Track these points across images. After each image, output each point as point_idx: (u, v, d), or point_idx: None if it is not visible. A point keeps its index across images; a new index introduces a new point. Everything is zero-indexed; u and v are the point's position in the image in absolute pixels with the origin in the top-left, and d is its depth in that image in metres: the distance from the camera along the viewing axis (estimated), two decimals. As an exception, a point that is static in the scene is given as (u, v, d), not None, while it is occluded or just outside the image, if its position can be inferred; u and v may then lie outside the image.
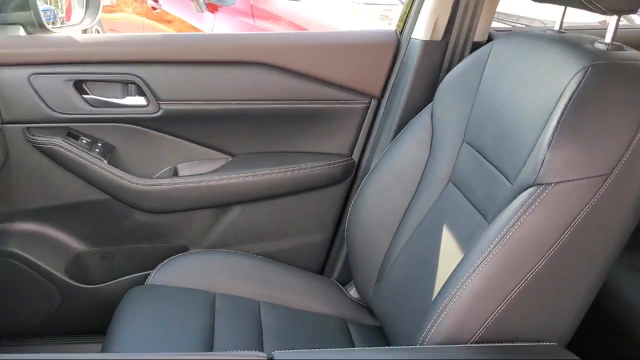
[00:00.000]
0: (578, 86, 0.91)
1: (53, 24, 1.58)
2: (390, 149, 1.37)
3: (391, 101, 1.50)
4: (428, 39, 1.43)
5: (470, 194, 1.14)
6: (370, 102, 1.52)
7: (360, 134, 1.55)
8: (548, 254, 0.88)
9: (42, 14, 1.45)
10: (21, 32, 1.43)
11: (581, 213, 0.87)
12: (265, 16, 4.19)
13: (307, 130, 1.54)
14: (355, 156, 1.57)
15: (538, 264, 0.88)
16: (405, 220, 1.28)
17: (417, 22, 1.44)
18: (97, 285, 1.54)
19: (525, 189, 0.91)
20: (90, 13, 1.61)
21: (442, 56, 1.43)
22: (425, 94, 1.42)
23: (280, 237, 1.58)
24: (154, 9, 4.93)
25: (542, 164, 0.89)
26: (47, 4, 1.74)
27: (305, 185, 1.54)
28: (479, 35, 1.43)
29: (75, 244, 1.53)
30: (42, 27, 1.42)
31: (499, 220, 0.92)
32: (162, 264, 1.40)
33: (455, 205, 1.17)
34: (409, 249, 1.24)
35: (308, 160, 1.54)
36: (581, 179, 0.87)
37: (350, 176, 1.56)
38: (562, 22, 1.16)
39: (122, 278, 1.54)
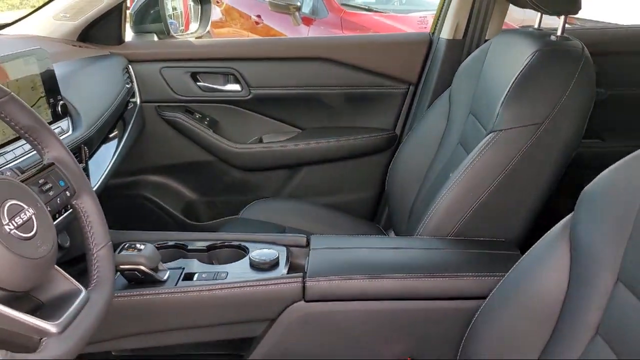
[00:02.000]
0: (525, 64, 1.31)
1: (176, 32, 2.16)
2: (420, 121, 1.80)
3: (424, 86, 1.93)
4: (451, 38, 1.85)
5: (469, 149, 1.54)
6: (409, 87, 1.96)
7: (401, 113, 1.99)
8: (498, 179, 1.28)
9: (169, 25, 2.02)
10: (155, 38, 2.01)
11: (522, 149, 1.27)
12: (353, 28, 4.60)
13: (358, 109, 2.00)
14: (397, 130, 2.01)
15: (491, 186, 1.29)
16: (428, 173, 1.70)
17: (443, 25, 1.87)
18: (202, 223, 2.08)
19: (487, 134, 1.32)
20: (202, 25, 2.18)
21: (461, 51, 1.84)
22: (448, 80, 1.83)
23: (337, 193, 2.05)
24: (257, 23, 5.51)
25: (496, 117, 1.30)
26: (171, 18, 2.33)
27: (357, 152, 2.01)
28: (491, 34, 1.83)
29: (189, 193, 2.09)
30: (169, 34, 2.00)
31: (469, 156, 1.33)
32: (248, 205, 1.90)
33: (460, 159, 1.58)
34: (429, 193, 1.66)
35: (359, 133, 2.00)
36: (522, 126, 1.27)
37: (392, 146, 2.00)
38: (540, 22, 1.54)
39: (220, 219, 2.07)
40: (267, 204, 1.93)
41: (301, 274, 1.17)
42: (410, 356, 1.16)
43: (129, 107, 1.85)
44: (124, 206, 2.04)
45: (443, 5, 1.88)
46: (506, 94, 1.30)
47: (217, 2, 6.49)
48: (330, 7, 4.85)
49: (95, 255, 0.92)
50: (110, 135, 1.66)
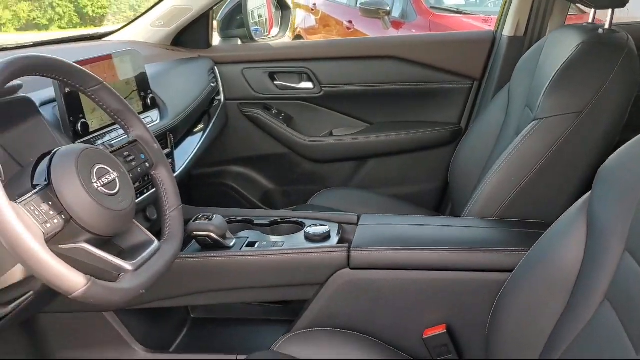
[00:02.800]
0: (569, 56, 1.38)
1: (258, 36, 2.37)
2: (481, 115, 1.88)
3: (487, 82, 2.00)
4: (512, 35, 1.92)
5: None
6: (473, 83, 2.04)
7: (466, 107, 2.07)
8: (538, 164, 1.36)
9: (252, 31, 2.24)
10: (239, 42, 2.23)
11: (562, 136, 1.34)
12: (442, 30, 4.65)
13: (425, 104, 2.11)
14: (462, 124, 2.09)
15: (531, 171, 1.36)
16: (487, 164, 1.77)
17: (506, 23, 1.94)
18: (276, 210, 2.26)
19: (530, 122, 1.40)
20: (282, 29, 2.38)
21: (522, 47, 1.90)
22: (509, 75, 1.89)
23: (403, 184, 2.17)
24: (348, 29, 5.70)
25: (538, 106, 1.38)
26: (256, 25, 2.55)
27: (423, 145, 2.11)
28: (552, 31, 1.87)
29: (266, 182, 2.29)
30: (251, 39, 2.21)
31: (512, 143, 1.41)
32: (317, 193, 2.06)
33: None
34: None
35: (426, 127, 2.11)
36: (562, 114, 1.34)
37: (457, 139, 2.09)
38: (594, 17, 1.58)
39: (294, 206, 2.24)
40: (334, 193, 2.08)
41: (347, 244, 1.31)
42: (446, 323, 1.26)
43: (214, 104, 2.07)
44: (210, 193, 2.27)
45: (506, 3, 1.95)
46: (548, 84, 1.37)
47: (312, 10, 6.77)
48: (419, 10, 4.93)
49: (168, 216, 1.11)
50: (195, 130, 1.89)
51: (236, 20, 2.22)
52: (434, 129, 2.10)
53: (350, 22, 5.64)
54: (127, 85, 1.44)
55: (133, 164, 1.09)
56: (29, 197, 0.86)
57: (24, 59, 0.92)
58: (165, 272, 1.03)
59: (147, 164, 1.12)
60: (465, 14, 4.92)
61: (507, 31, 1.93)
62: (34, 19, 18.64)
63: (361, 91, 2.11)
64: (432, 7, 4.99)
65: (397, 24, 4.97)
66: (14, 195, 0.85)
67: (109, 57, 1.38)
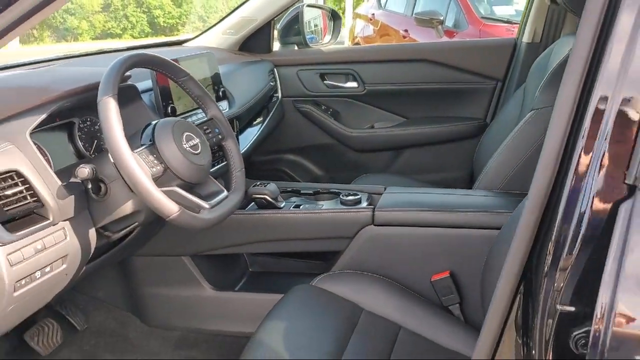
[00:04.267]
0: (564, 56, 1.66)
1: (313, 43, 2.74)
2: (500, 111, 2.17)
3: (509, 82, 2.29)
4: (530, 41, 2.20)
5: None
6: (497, 83, 2.33)
7: (490, 104, 2.36)
8: (534, 146, 1.64)
9: (308, 38, 2.60)
10: (295, 47, 2.60)
11: (553, 123, 1.62)
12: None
13: (455, 102, 2.41)
14: (488, 119, 2.38)
15: (528, 151, 1.65)
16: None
17: (524, 31, 2.23)
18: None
19: (529, 112, 1.69)
20: (333, 37, 2.74)
21: (537, 51, 2.18)
22: (526, 76, 2.18)
23: (434, 171, 2.47)
24: (404, 37, 6.00)
25: (536, 97, 1.67)
26: (312, 33, 2.92)
27: (453, 137, 2.42)
28: (565, 37, 2.15)
29: (315, 169, 2.64)
30: (306, 44, 2.57)
31: (515, 127, 1.71)
32: (357, 177, 2.37)
33: None
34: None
35: (455, 121, 2.41)
36: (552, 106, 1.62)
37: (483, 132, 2.38)
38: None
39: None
40: (373, 177, 2.41)
41: (373, 206, 1.65)
42: (450, 270, 1.57)
43: (272, 100, 2.45)
44: (267, 177, 2.64)
45: (525, 14, 2.24)
46: (544, 80, 1.66)
47: (371, 20, 7.11)
48: (471, 20, 5.18)
49: (234, 175, 1.48)
50: (255, 122, 2.27)
51: (293, 29, 2.60)
52: (463, 123, 2.40)
53: (406, 31, 5.93)
54: (204, 80, 1.83)
55: (210, 135, 1.46)
56: (140, 150, 1.24)
57: (136, 55, 1.31)
58: (230, 213, 1.39)
59: (219, 136, 1.49)
60: (514, 23, 5.11)
61: (526, 38, 2.22)
62: (109, 29, 19.80)
63: (399, 90, 2.44)
64: (483, 17, 5.22)
65: (449, 33, 5.23)
66: (130, 148, 1.23)
67: (190, 57, 1.78)
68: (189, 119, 1.64)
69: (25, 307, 1.22)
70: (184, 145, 1.30)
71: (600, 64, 0.71)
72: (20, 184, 1.14)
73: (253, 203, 1.75)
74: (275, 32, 2.59)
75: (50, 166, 1.29)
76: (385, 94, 2.47)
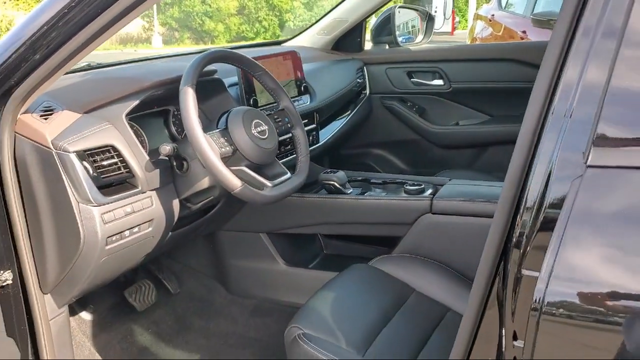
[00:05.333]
0: None
1: (409, 43, 2.84)
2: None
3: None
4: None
5: None
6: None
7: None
8: None
9: (405, 38, 2.72)
10: (386, 47, 2.72)
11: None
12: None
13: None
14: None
15: None
16: None
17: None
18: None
19: None
20: (426, 36, 2.83)
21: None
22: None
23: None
24: (522, 38, 5.88)
25: None
26: (409, 34, 3.03)
27: (537, 136, 2.41)
28: None
29: (399, 163, 2.75)
30: (396, 44, 2.69)
31: None
32: (439, 172, 2.45)
33: None
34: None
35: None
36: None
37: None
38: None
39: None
40: (453, 174, 2.47)
41: (431, 196, 1.74)
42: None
43: (360, 96, 2.59)
44: (355, 169, 2.79)
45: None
46: None
47: (490, 21, 7.01)
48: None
49: (299, 159, 1.65)
50: (342, 115, 2.43)
51: (385, 29, 2.72)
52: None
53: (524, 32, 5.80)
54: (287, 76, 2.02)
55: (280, 123, 1.65)
56: (213, 132, 1.45)
57: (215, 52, 1.52)
58: (291, 193, 1.56)
59: (289, 125, 1.67)
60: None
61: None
62: (243, 31, 20.92)
63: (484, 88, 2.48)
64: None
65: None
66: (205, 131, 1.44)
67: (276, 54, 1.98)
68: (267, 109, 1.83)
69: (117, 262, 1.47)
70: (253, 131, 1.49)
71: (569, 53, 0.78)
72: (115, 157, 1.39)
73: (322, 188, 1.91)
74: (368, 32, 2.74)
75: (145, 145, 1.54)
76: (470, 92, 2.52)
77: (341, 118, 2.41)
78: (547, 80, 0.81)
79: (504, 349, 0.86)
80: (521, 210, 0.81)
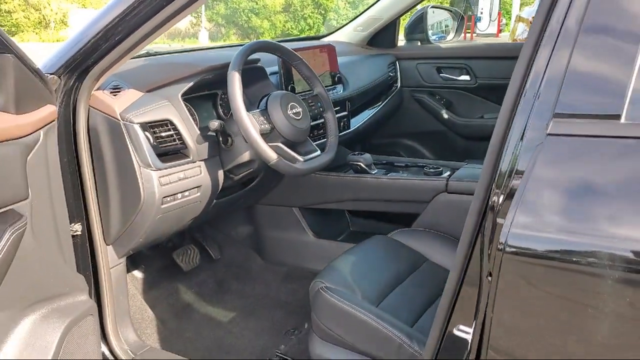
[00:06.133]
0: None
1: (442, 40, 3.03)
2: None
3: None
4: None
5: None
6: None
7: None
8: None
9: (437, 37, 2.91)
10: (418, 43, 2.91)
11: None
12: None
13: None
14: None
15: None
16: None
17: None
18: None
19: None
20: (456, 35, 3.01)
21: None
22: None
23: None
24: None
25: None
26: (442, 32, 3.21)
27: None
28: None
29: (427, 153, 2.93)
30: (428, 41, 2.88)
31: None
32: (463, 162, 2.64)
33: None
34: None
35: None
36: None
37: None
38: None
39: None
40: (475, 162, 2.64)
41: (448, 177, 1.93)
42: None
43: (392, 89, 2.79)
44: (384, 156, 3.00)
45: None
46: None
47: (530, 22, 7.08)
48: None
49: (329, 139, 1.86)
50: (373, 105, 2.63)
51: (418, 27, 2.91)
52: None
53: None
54: (322, 67, 2.24)
55: (313, 107, 1.87)
56: (254, 112, 1.67)
57: (258, 42, 1.75)
58: (319, 168, 1.78)
59: (321, 109, 1.89)
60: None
61: None
62: (288, 29, 21.23)
63: (507, 84, 2.63)
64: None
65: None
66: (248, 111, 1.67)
67: (314, 47, 2.20)
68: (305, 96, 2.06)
69: (169, 221, 1.71)
70: (288, 112, 1.71)
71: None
72: (171, 130, 1.63)
73: (350, 168, 2.12)
74: (402, 29, 2.93)
75: (196, 121, 1.78)
76: (495, 87, 2.68)
77: (372, 108, 2.61)
78: (522, 69, 0.99)
79: (482, 286, 1.05)
80: (498, 172, 1.01)
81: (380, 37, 2.83)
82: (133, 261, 2.13)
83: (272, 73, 2.06)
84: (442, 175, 1.99)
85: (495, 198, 1.00)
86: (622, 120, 0.88)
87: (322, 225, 2.26)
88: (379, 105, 2.64)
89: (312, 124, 1.92)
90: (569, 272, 0.89)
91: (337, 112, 2.24)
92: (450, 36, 3.04)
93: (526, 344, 0.97)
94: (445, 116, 2.78)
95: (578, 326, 0.90)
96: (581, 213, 0.90)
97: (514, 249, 0.93)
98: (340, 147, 2.22)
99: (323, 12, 21.88)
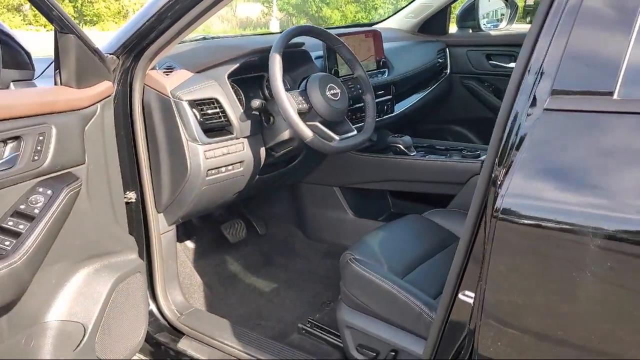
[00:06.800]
0: None
1: (496, 29, 3.03)
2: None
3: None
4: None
5: None
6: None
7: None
8: None
9: (491, 25, 2.92)
10: (470, 31, 2.93)
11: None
12: None
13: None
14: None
15: None
16: None
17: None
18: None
19: None
20: (509, 23, 3.00)
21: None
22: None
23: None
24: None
25: None
26: (498, 21, 3.21)
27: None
28: None
29: (475, 140, 2.95)
30: (479, 28, 2.89)
31: None
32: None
33: None
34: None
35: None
36: None
37: None
38: None
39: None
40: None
41: (482, 160, 1.97)
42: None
43: (441, 75, 2.83)
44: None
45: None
46: None
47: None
48: None
49: (367, 120, 1.94)
50: (420, 90, 2.68)
51: (470, 15, 2.93)
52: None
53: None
54: (367, 52, 2.32)
55: (352, 89, 1.95)
56: (293, 92, 1.78)
57: (301, 26, 1.85)
58: (354, 147, 1.86)
59: (360, 91, 1.97)
60: None
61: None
62: (359, 19, 21.21)
63: None
64: None
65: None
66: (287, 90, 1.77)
67: (359, 32, 2.28)
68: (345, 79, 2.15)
69: (214, 192, 1.84)
70: (327, 93, 1.81)
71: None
72: (217, 108, 1.76)
73: (390, 150, 2.20)
74: (454, 17, 2.95)
75: (242, 102, 1.90)
76: None
77: (419, 93, 2.66)
78: (527, 51, 1.05)
79: (484, 252, 1.11)
80: (501, 147, 1.06)
81: (431, 24, 2.87)
82: (186, 232, 2.30)
83: (318, 57, 2.16)
84: (479, 158, 2.03)
85: (497, 171, 1.06)
86: (615, 96, 0.93)
87: (362, 205, 2.35)
88: (426, 90, 2.69)
89: (355, 106, 2.01)
90: (557, 238, 0.95)
91: (381, 96, 2.32)
92: (504, 24, 3.03)
93: (518, 305, 1.03)
94: (494, 103, 2.79)
95: (564, 289, 0.96)
96: (570, 183, 0.95)
97: (505, 216, 0.99)
98: (383, 130, 2.31)
99: (395, 1, 21.75)
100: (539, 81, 1.01)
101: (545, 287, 0.98)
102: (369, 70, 2.32)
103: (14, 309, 1.31)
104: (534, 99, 1.01)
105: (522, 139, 1.01)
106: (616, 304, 0.92)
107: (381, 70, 2.37)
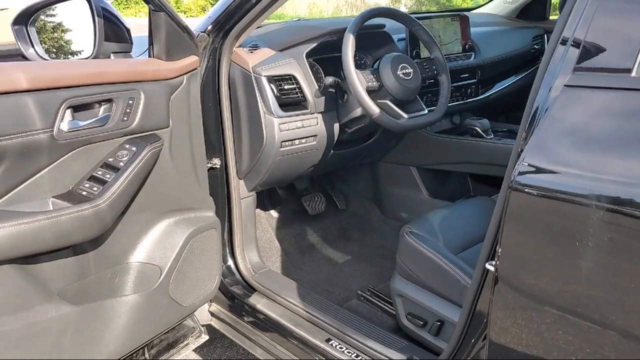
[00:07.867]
0: None
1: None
2: None
3: None
4: None
5: None
6: None
7: None
8: None
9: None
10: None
11: None
12: None
13: None
14: None
15: None
16: None
17: None
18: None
19: None
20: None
21: None
22: None
23: None
24: None
25: None
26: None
27: None
28: None
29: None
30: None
31: None
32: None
33: None
34: None
35: None
36: None
37: None
38: None
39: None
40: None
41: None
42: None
43: (537, 62, 2.77)
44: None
45: None
46: None
47: None
48: None
49: (440, 100, 1.98)
50: (511, 76, 2.65)
51: (574, 0, 2.82)
52: None
53: None
54: (453, 34, 2.34)
55: (427, 69, 2.00)
56: (365, 70, 1.87)
57: (377, 8, 1.93)
58: (422, 126, 1.92)
59: (435, 71, 2.02)
60: None
61: None
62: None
63: None
64: None
65: None
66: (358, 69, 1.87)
67: (445, 15, 2.31)
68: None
69: (289, 164, 1.98)
70: (398, 72, 1.88)
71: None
72: (294, 84, 1.89)
73: (468, 133, 2.22)
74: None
75: (320, 79, 2.01)
76: None
77: (508, 78, 2.63)
78: (556, 36, 1.07)
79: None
80: (527, 124, 1.10)
81: (530, 10, 2.81)
82: (272, 202, 2.48)
83: (401, 39, 2.22)
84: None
85: (522, 145, 1.10)
86: (633, 74, 0.94)
87: (439, 186, 2.39)
88: (516, 76, 2.65)
89: (430, 90, 2.06)
90: (569, 209, 0.97)
91: (465, 79, 2.33)
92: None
93: (528, 273, 1.07)
94: None
95: (572, 260, 0.99)
96: (585, 155, 0.97)
97: (519, 186, 1.03)
98: (466, 114, 2.33)
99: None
100: (564, 59, 1.04)
101: (556, 256, 1.01)
102: (453, 53, 2.34)
103: (102, 249, 1.53)
104: (557, 76, 1.04)
105: (543, 115, 1.04)
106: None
107: (467, 53, 2.38)
